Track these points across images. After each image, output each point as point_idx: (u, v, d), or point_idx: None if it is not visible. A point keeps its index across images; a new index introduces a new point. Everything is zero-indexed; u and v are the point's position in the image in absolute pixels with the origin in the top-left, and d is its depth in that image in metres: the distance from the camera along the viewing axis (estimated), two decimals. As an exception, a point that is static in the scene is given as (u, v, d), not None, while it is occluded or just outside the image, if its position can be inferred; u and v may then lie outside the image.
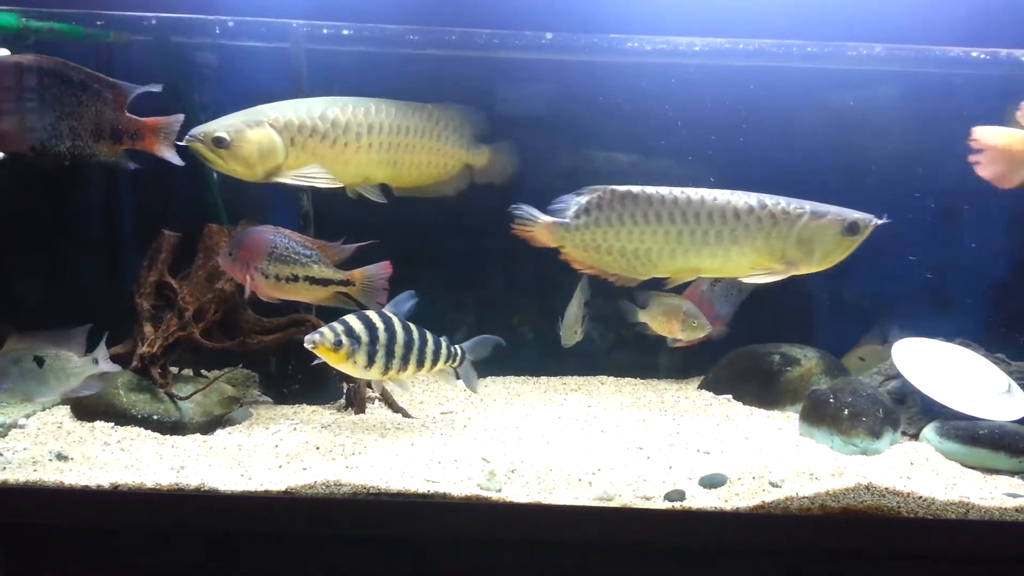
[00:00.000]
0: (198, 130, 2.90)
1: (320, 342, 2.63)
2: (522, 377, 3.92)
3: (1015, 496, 2.53)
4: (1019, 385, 3.10)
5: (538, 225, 3.07)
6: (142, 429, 2.93)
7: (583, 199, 3.06)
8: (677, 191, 3.00)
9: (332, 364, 2.71)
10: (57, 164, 2.72)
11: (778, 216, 2.93)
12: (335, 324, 2.68)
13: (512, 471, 2.59)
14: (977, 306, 3.77)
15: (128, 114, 2.78)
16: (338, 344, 2.65)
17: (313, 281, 2.87)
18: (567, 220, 3.06)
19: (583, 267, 3.14)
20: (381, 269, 2.94)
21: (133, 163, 2.84)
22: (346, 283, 2.90)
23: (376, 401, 3.37)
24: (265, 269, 2.77)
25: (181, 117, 2.84)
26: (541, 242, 3.11)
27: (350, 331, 2.67)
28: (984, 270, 3.79)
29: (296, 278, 2.83)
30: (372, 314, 2.75)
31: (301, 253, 2.83)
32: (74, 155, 2.72)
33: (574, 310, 3.52)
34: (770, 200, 2.96)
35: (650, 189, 3.01)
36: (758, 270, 2.98)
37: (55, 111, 2.68)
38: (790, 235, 2.92)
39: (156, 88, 2.81)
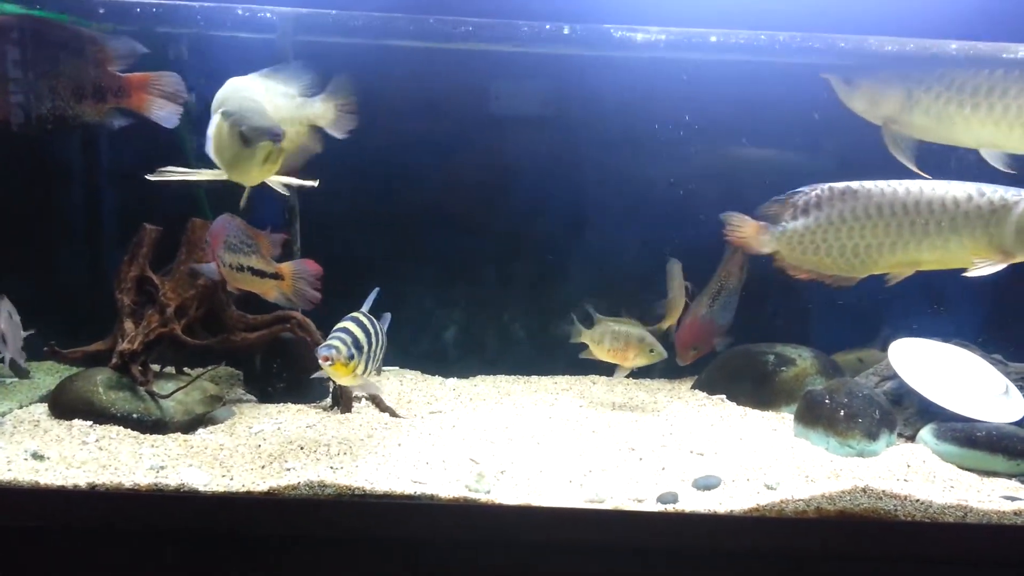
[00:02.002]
0: None
1: (336, 358, 2.41)
2: (512, 376, 3.88)
3: (1013, 499, 2.50)
4: (1017, 387, 3.06)
5: (750, 230, 3.04)
6: (121, 428, 2.86)
7: (799, 200, 3.01)
8: (895, 183, 2.96)
9: (337, 378, 2.54)
10: (41, 129, 2.61)
11: (996, 204, 2.86)
12: (341, 335, 2.46)
13: (501, 472, 2.55)
14: (974, 307, 3.74)
15: (111, 70, 2.66)
16: (351, 358, 2.46)
17: (254, 272, 2.74)
18: (783, 224, 3.01)
19: (798, 272, 3.09)
20: (305, 265, 2.79)
21: (120, 121, 2.72)
22: (277, 276, 2.75)
23: (363, 400, 3.31)
24: (223, 257, 2.67)
25: (173, 74, 2.71)
26: (754, 249, 3.06)
27: (356, 342, 2.48)
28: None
29: (243, 268, 2.74)
30: (361, 317, 2.60)
31: (244, 242, 2.72)
32: (56, 117, 2.60)
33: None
34: (988, 188, 2.90)
35: (867, 184, 2.98)
36: (979, 261, 2.90)
37: (32, 71, 2.55)
38: (1008, 223, 2.85)
39: (142, 49, 2.69)
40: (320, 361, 2.39)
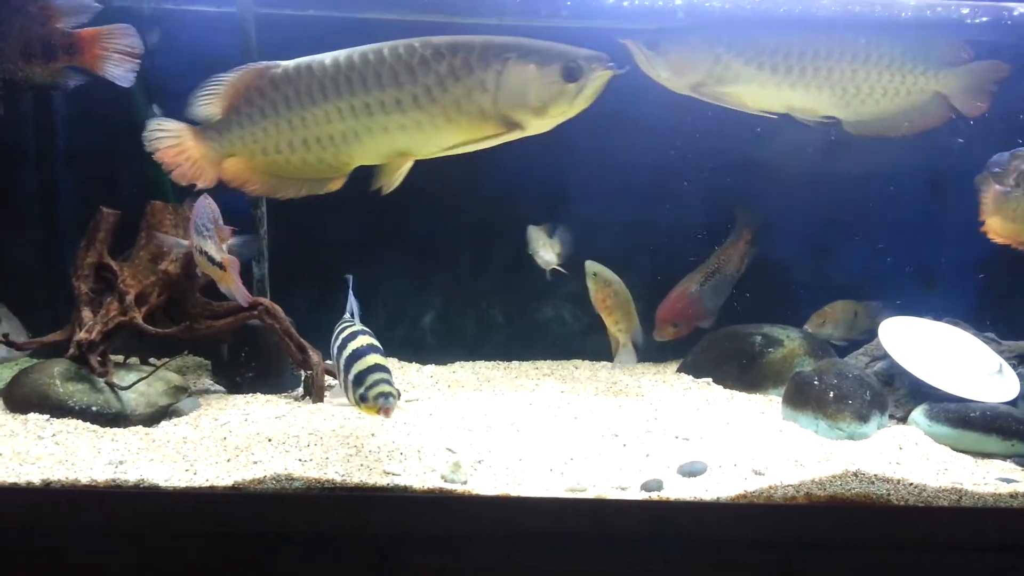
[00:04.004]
0: None
1: (394, 405, 2.26)
2: (492, 362, 3.81)
3: (1009, 481, 2.44)
4: (1010, 365, 3.00)
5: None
6: (80, 421, 2.75)
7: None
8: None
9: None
10: None
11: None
12: (378, 376, 2.28)
13: (479, 462, 2.47)
14: (966, 284, 3.68)
15: (60, 27, 2.51)
16: (397, 391, 2.33)
17: (208, 258, 2.64)
18: (1005, 188, 2.80)
19: (1007, 239, 2.87)
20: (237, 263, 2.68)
21: (74, 80, 2.57)
22: (222, 267, 2.63)
23: (335, 389, 3.19)
24: (192, 239, 2.55)
25: (127, 27, 2.57)
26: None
27: (384, 368, 2.34)
28: (973, 247, 3.70)
29: (201, 251, 2.62)
30: (364, 334, 2.45)
31: (206, 226, 2.61)
32: (4, 80, 2.45)
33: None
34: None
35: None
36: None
37: None
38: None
39: (94, 5, 2.54)
40: (382, 416, 2.27)
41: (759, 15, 3.08)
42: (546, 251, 3.35)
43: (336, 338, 2.49)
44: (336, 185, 2.60)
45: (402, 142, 2.52)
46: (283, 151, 2.53)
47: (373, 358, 2.33)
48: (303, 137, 2.51)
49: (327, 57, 2.48)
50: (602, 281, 3.41)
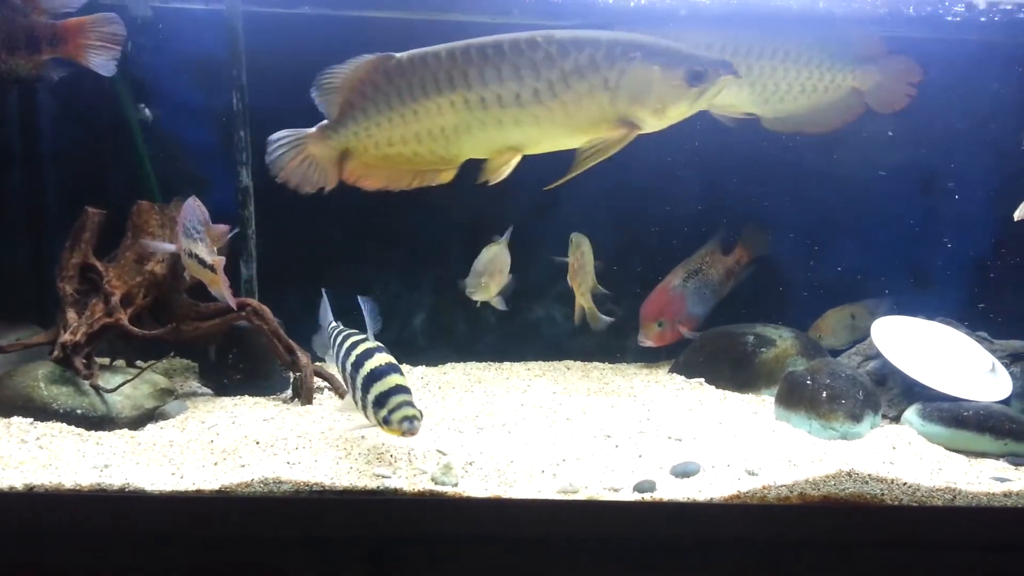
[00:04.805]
0: None
1: (419, 427, 2.26)
2: (484, 363, 3.79)
3: (1003, 480, 2.43)
4: (1003, 364, 2.99)
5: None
6: (64, 425, 2.71)
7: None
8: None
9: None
10: None
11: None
12: (400, 398, 2.27)
13: (470, 463, 2.44)
14: (959, 284, 3.68)
15: (43, 19, 2.48)
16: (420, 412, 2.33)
17: (199, 260, 2.61)
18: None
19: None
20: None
21: (58, 72, 2.53)
22: (213, 269, 2.62)
23: (325, 391, 3.16)
24: (180, 242, 2.53)
25: (111, 15, 2.53)
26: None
27: (406, 388, 2.33)
28: (966, 247, 3.70)
29: (191, 254, 2.59)
30: (380, 351, 2.43)
31: (196, 228, 2.58)
32: None
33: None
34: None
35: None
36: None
37: None
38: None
39: None
40: (407, 437, 2.27)
41: (677, 13, 3.05)
42: (478, 289, 3.14)
43: (346, 351, 2.46)
44: (447, 177, 2.58)
45: (515, 137, 2.50)
46: (395, 144, 2.51)
47: (394, 379, 2.32)
48: (415, 130, 2.48)
49: (443, 49, 2.44)
50: (579, 251, 3.35)
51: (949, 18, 3.19)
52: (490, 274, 3.08)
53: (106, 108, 3.10)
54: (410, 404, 2.28)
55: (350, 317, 2.68)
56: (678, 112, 2.47)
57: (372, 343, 2.44)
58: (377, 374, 2.33)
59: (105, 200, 3.05)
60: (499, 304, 3.15)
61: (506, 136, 2.47)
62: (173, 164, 3.04)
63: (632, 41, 2.44)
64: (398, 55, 2.45)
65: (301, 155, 2.51)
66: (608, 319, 3.36)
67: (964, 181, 3.62)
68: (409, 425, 2.24)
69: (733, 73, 2.44)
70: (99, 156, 3.38)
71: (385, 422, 2.27)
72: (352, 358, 2.41)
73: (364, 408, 2.35)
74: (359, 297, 2.54)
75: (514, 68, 2.40)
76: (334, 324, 2.66)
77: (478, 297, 3.08)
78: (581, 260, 3.30)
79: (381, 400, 2.28)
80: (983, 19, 3.19)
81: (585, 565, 2.31)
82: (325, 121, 2.52)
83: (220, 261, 2.60)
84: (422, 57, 2.45)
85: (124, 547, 2.27)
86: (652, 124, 2.48)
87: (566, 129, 2.47)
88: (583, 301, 3.31)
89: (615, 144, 2.46)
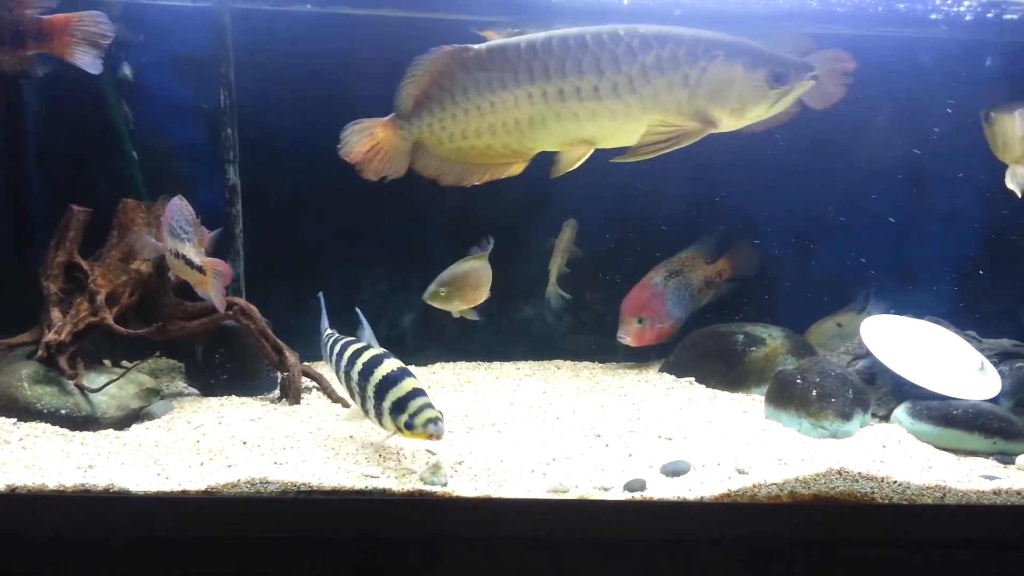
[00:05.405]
0: None
1: (444, 430, 2.25)
2: (473, 363, 3.78)
3: (992, 478, 2.43)
4: (991, 363, 2.99)
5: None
6: (48, 425, 2.68)
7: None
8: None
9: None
10: None
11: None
12: (420, 401, 2.25)
13: (459, 463, 2.42)
14: (947, 283, 3.69)
15: (29, 13, 2.44)
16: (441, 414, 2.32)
17: (187, 261, 2.59)
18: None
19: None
20: (220, 267, 2.64)
21: (42, 68, 2.49)
22: (201, 270, 2.59)
23: (313, 391, 3.14)
24: (166, 241, 2.50)
25: (98, 13, 2.50)
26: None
27: (423, 391, 2.32)
28: (954, 246, 3.71)
29: (178, 255, 2.56)
30: (387, 357, 2.40)
31: (183, 228, 2.55)
32: None
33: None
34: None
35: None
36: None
37: None
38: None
39: None
40: (434, 441, 2.25)
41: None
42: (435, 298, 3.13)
43: (349, 360, 2.43)
44: (517, 169, 2.57)
45: (590, 130, 2.49)
46: (468, 137, 2.51)
47: (410, 382, 2.30)
48: (490, 123, 2.48)
49: (522, 40, 2.43)
50: (562, 234, 3.43)
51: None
52: (458, 287, 3.08)
53: (91, 105, 3.06)
54: (431, 406, 2.25)
55: (340, 317, 2.67)
56: (756, 113, 2.47)
57: (378, 349, 2.42)
58: (391, 379, 2.30)
59: (91, 198, 3.01)
60: (470, 315, 3.17)
61: (580, 129, 2.47)
62: (159, 162, 3.00)
63: (715, 39, 2.44)
64: (475, 47, 2.45)
65: (368, 144, 2.51)
66: (565, 295, 3.45)
67: (950, 180, 3.64)
68: (435, 428, 2.21)
69: (815, 77, 2.43)
70: (84, 153, 3.35)
71: (408, 427, 2.24)
72: (358, 366, 2.38)
73: (379, 416, 2.32)
74: (358, 309, 2.53)
75: (595, 61, 2.40)
76: (329, 332, 2.63)
77: (435, 304, 3.08)
78: (561, 242, 3.39)
79: (400, 405, 2.26)
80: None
81: (575, 565, 2.29)
82: (397, 112, 2.52)
83: (210, 263, 2.59)
84: (500, 49, 2.45)
85: (108, 548, 2.24)
86: (728, 124, 2.48)
87: (642, 124, 2.46)
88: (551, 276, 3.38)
89: (687, 138, 2.46)
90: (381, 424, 2.33)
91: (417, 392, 2.28)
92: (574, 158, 2.53)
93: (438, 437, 2.23)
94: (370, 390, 2.32)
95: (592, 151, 2.51)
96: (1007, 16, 3.21)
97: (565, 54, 2.40)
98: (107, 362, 3.09)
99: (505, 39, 2.46)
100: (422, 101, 2.49)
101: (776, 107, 2.47)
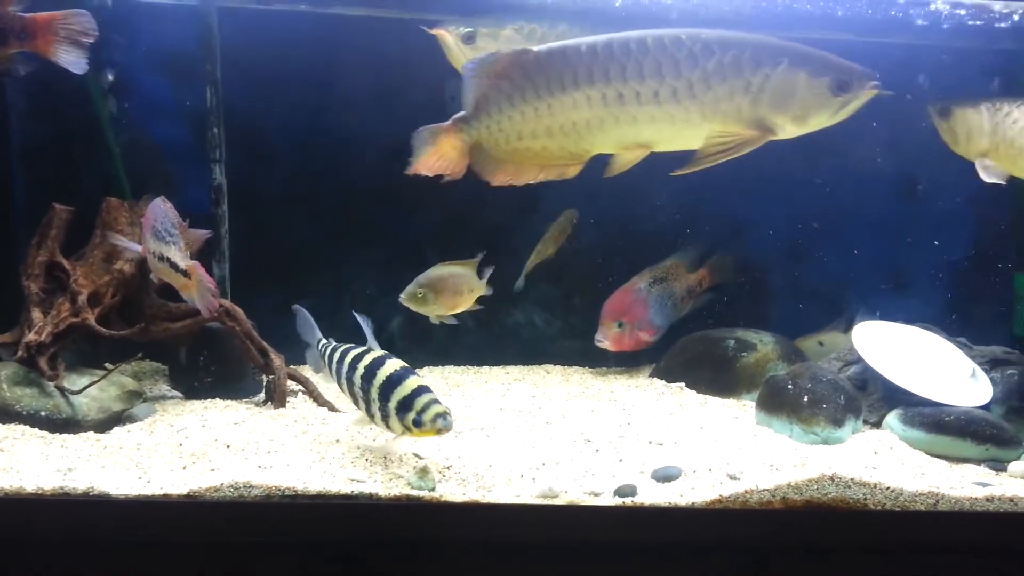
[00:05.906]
0: None
1: (452, 423, 2.23)
2: (462, 367, 3.76)
3: (984, 485, 2.42)
4: (983, 369, 2.98)
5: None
6: (27, 427, 2.63)
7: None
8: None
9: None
10: None
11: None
12: (427, 397, 2.24)
13: (447, 468, 2.39)
14: (938, 289, 3.69)
15: (11, 11, 2.40)
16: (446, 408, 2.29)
17: (171, 264, 2.55)
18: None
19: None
20: (200, 269, 2.60)
21: (25, 67, 2.45)
22: (186, 274, 2.55)
23: (299, 395, 3.10)
24: (148, 243, 2.46)
25: (83, 12, 2.45)
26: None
27: (427, 388, 2.29)
28: (945, 253, 3.71)
29: (162, 258, 2.52)
30: (389, 357, 2.37)
31: (168, 231, 2.51)
32: None
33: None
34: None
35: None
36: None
37: None
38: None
39: None
40: (443, 432, 2.23)
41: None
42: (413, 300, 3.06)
43: (350, 366, 2.40)
44: (573, 172, 2.56)
45: (647, 134, 2.47)
46: (525, 139, 2.49)
47: (414, 380, 2.28)
48: (547, 125, 2.47)
49: (583, 43, 2.42)
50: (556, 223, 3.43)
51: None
52: (437, 291, 3.03)
53: (76, 103, 3.01)
54: (437, 402, 2.23)
55: (328, 321, 2.63)
56: (819, 121, 2.46)
57: (378, 352, 2.39)
58: (395, 379, 2.28)
59: (74, 197, 2.97)
60: (449, 320, 3.14)
61: (638, 133, 2.46)
62: (144, 161, 2.96)
63: (779, 46, 2.43)
64: (536, 48, 2.44)
65: (437, 151, 2.53)
66: (521, 283, 3.48)
67: (941, 186, 3.64)
68: (444, 422, 2.20)
69: (879, 86, 2.42)
70: (68, 152, 3.30)
71: (416, 424, 2.22)
72: (360, 371, 2.35)
73: (386, 418, 2.28)
74: (355, 313, 2.50)
75: (656, 65, 2.38)
76: (324, 341, 2.59)
77: (411, 306, 3.04)
78: (554, 230, 3.40)
79: (406, 404, 2.23)
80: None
81: (565, 571, 2.27)
82: (460, 113, 2.52)
83: (195, 267, 2.54)
84: (561, 51, 2.44)
85: (88, 553, 2.20)
86: (790, 131, 2.47)
87: (700, 130, 2.45)
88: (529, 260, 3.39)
89: (747, 145, 2.45)
90: (388, 426, 2.30)
91: (422, 389, 2.26)
92: (629, 160, 2.53)
93: (447, 431, 2.21)
94: (374, 392, 2.29)
95: (648, 154, 2.51)
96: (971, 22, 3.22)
97: (626, 58, 2.39)
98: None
99: (565, 42, 2.45)
100: (482, 103, 2.49)
101: (839, 115, 2.46)
